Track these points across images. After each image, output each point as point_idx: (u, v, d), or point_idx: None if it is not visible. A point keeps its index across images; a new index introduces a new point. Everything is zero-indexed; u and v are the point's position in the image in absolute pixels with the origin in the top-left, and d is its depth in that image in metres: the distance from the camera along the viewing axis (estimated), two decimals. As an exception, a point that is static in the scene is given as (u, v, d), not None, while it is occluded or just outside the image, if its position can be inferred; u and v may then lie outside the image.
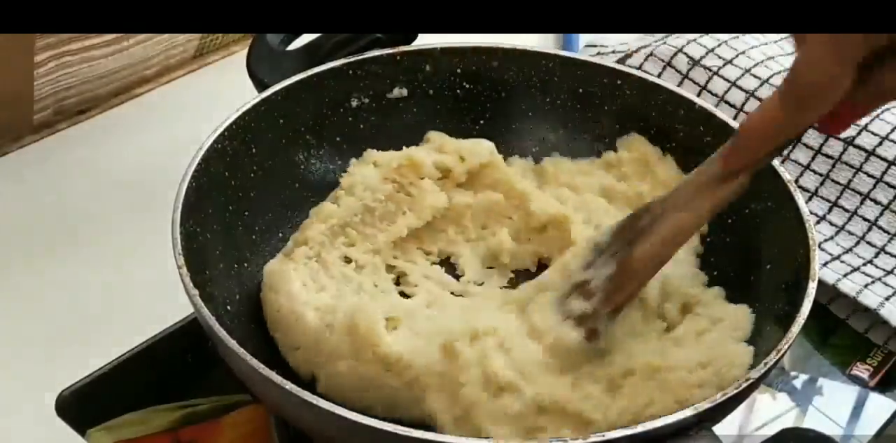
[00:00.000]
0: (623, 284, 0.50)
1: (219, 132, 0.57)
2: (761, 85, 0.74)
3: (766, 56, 0.78)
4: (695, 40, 0.78)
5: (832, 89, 0.39)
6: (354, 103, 0.65)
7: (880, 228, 0.69)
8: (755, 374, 0.46)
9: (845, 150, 0.70)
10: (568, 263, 0.53)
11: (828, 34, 0.37)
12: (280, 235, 0.62)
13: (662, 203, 0.49)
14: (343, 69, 0.64)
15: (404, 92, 0.66)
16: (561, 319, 0.51)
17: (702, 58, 0.77)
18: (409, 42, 0.66)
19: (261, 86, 0.62)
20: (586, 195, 0.63)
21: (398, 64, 0.65)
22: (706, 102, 0.63)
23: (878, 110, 0.71)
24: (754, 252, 0.58)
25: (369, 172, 0.62)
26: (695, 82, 0.76)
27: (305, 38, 0.65)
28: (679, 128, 0.63)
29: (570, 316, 0.51)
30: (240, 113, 0.59)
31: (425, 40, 0.66)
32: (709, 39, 0.78)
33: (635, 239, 0.49)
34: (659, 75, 0.77)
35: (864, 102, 0.42)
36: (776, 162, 0.58)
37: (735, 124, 0.61)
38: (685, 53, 0.77)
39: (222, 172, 0.58)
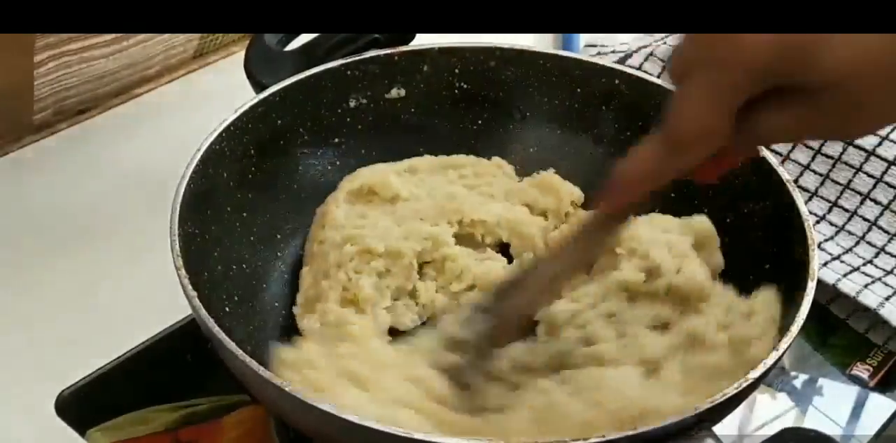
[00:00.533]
0: (497, 335, 0.49)
1: (217, 133, 0.57)
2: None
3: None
4: (695, 40, 0.78)
5: (709, 138, 0.38)
6: (352, 104, 0.65)
7: (880, 228, 0.69)
8: (755, 374, 0.46)
9: (845, 150, 0.70)
10: (446, 324, 0.51)
11: (705, 81, 0.36)
12: (278, 236, 0.62)
13: (540, 259, 0.50)
14: (341, 70, 0.64)
15: (402, 92, 0.66)
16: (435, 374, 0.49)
17: (702, 57, 0.77)
18: (406, 42, 0.66)
19: (259, 87, 0.62)
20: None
21: (396, 64, 0.65)
22: (705, 102, 0.63)
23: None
24: (754, 252, 0.58)
25: None
26: (695, 82, 0.76)
27: (303, 39, 0.65)
28: (678, 128, 0.63)
29: (441, 370, 0.49)
30: (237, 114, 0.59)
31: (423, 40, 0.66)
32: (709, 39, 0.78)
33: (513, 294, 0.49)
34: (659, 75, 0.77)
35: (741, 148, 0.40)
36: (776, 162, 0.58)
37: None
38: (685, 53, 0.77)
39: (220, 174, 0.58)
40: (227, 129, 0.58)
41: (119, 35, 0.74)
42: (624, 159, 0.42)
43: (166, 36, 0.78)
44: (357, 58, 0.64)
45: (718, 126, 0.37)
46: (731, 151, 0.40)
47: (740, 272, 0.58)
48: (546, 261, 0.49)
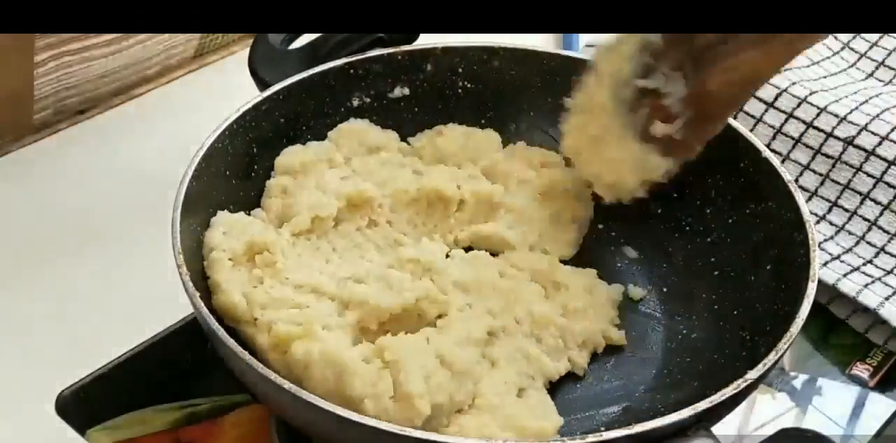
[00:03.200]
0: (704, 121, 0.46)
1: (220, 131, 0.57)
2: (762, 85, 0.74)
3: (767, 56, 0.78)
4: (695, 40, 0.78)
5: None
6: (356, 103, 0.65)
7: (880, 227, 0.69)
8: (755, 374, 0.46)
9: (845, 150, 0.70)
10: (618, 69, 0.47)
11: None
12: (280, 235, 0.62)
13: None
14: (344, 69, 0.64)
15: (406, 91, 0.66)
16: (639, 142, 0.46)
17: (702, 58, 0.77)
18: (410, 42, 0.66)
19: (262, 85, 0.62)
20: None
21: (399, 63, 0.65)
22: (706, 102, 0.63)
23: (878, 110, 0.72)
24: (754, 252, 0.58)
25: None
26: (695, 82, 0.76)
27: (307, 38, 0.65)
28: (679, 128, 0.63)
29: (648, 136, 0.46)
30: (241, 112, 0.59)
31: (426, 40, 0.66)
32: (709, 39, 0.78)
33: (701, 59, 0.43)
34: (659, 75, 0.77)
35: None
36: (777, 162, 0.58)
37: (735, 124, 0.61)
38: (685, 53, 0.77)
39: (223, 172, 0.58)
40: (231, 126, 0.58)
41: (119, 35, 0.74)
42: None
43: (166, 36, 0.78)
44: (361, 57, 0.64)
45: None
46: None
47: (741, 272, 0.58)
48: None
